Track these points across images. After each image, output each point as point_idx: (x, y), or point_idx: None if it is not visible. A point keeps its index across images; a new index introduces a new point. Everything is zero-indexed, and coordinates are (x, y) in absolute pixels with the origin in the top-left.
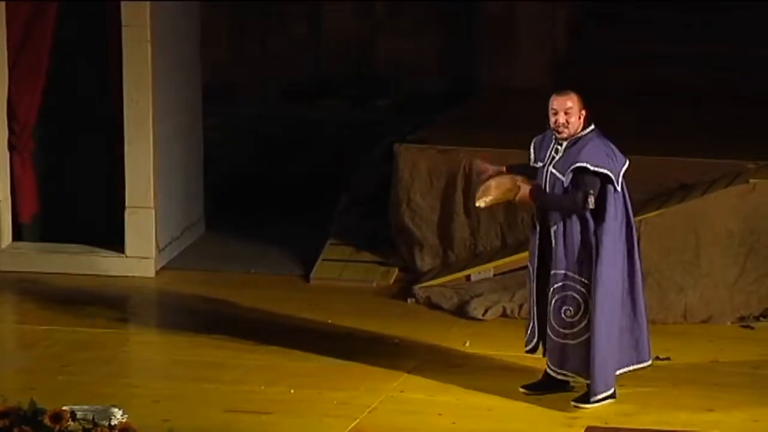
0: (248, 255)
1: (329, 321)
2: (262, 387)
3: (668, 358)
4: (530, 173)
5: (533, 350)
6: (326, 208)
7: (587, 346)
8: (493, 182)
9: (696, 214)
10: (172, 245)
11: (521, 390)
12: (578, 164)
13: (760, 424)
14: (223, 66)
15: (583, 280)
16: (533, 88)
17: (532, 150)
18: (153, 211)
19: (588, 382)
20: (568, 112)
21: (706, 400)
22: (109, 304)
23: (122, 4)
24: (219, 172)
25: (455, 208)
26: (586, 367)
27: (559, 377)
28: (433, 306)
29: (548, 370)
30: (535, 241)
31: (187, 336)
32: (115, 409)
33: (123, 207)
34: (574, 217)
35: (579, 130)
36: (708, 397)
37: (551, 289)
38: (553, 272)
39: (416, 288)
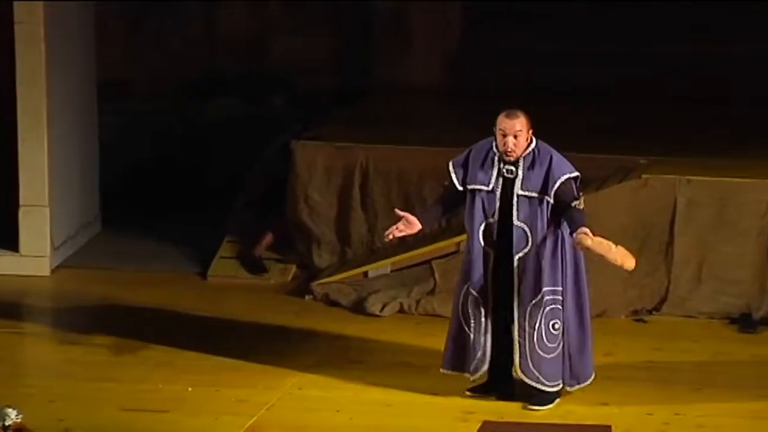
0: (144, 253)
1: (227, 318)
2: (160, 385)
3: None
4: (432, 214)
5: (480, 385)
6: (222, 205)
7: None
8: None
9: (590, 209)
10: (67, 243)
11: (466, 393)
12: (563, 177)
13: (654, 417)
14: (117, 64)
15: (561, 290)
16: (427, 85)
17: (455, 173)
18: (48, 210)
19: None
20: (517, 135)
21: (600, 394)
22: (3, 303)
23: (15, 2)
24: (114, 170)
25: (353, 205)
26: (566, 372)
27: (534, 384)
28: (331, 302)
29: (523, 379)
30: (486, 269)
31: (83, 335)
32: (10, 410)
33: (18, 206)
34: (549, 232)
35: (525, 148)
36: (602, 390)
37: (543, 310)
38: (540, 296)
39: (314, 285)
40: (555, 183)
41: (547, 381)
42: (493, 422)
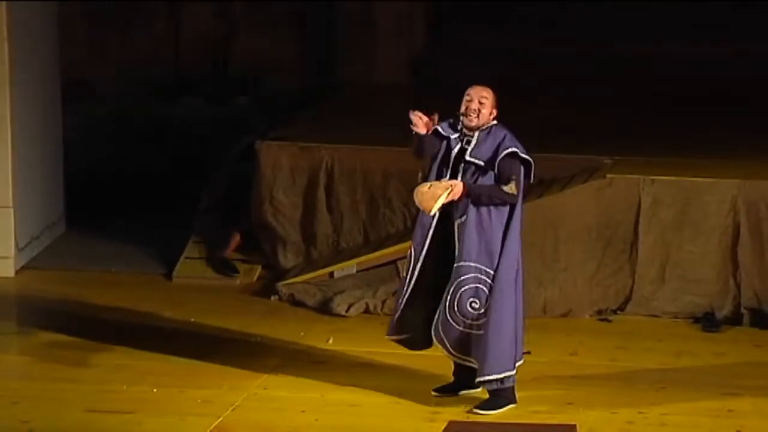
0: (109, 254)
1: (192, 319)
2: (124, 386)
3: (528, 352)
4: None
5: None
6: (187, 206)
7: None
8: (427, 188)
9: (555, 209)
10: (31, 244)
11: (433, 393)
12: (510, 149)
13: (618, 416)
14: (81, 64)
15: (489, 270)
16: (392, 85)
17: (440, 126)
18: (12, 211)
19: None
20: (482, 101)
21: (566, 393)
22: None
23: None
24: (79, 170)
25: (318, 205)
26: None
27: (465, 363)
28: (296, 303)
29: (453, 358)
30: (428, 235)
31: (47, 336)
32: None
33: None
34: (491, 208)
35: (486, 120)
36: (568, 390)
37: (456, 280)
38: (458, 264)
39: (279, 285)
40: (500, 153)
41: (456, 353)
42: (459, 422)
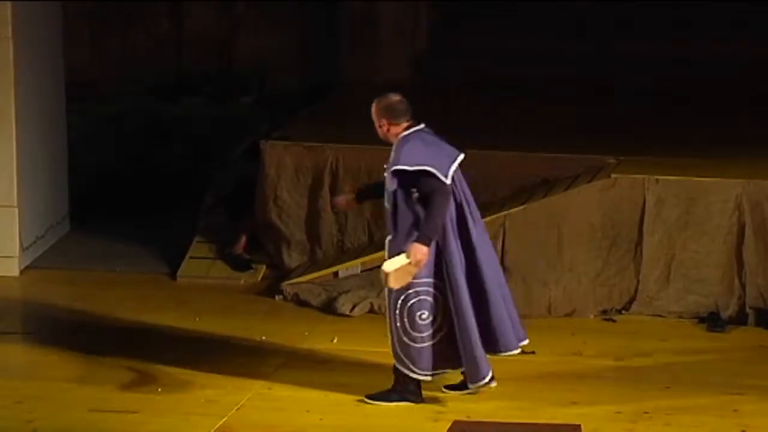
0: (114, 253)
1: (196, 319)
2: (129, 386)
3: (533, 352)
4: (375, 189)
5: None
6: (191, 206)
7: (452, 340)
8: (392, 271)
9: (559, 209)
10: (36, 244)
11: (444, 390)
12: (395, 167)
13: (622, 416)
14: (85, 65)
15: (430, 281)
16: (396, 84)
17: None
18: (16, 210)
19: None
20: (374, 120)
21: (570, 393)
22: None
23: None
24: (83, 170)
25: (322, 205)
26: (457, 358)
27: (401, 368)
28: (301, 303)
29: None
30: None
31: (52, 336)
32: None
33: None
34: (414, 222)
35: (395, 136)
36: (572, 390)
37: (408, 299)
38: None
39: (284, 285)
40: (391, 168)
41: (415, 366)
42: (463, 422)
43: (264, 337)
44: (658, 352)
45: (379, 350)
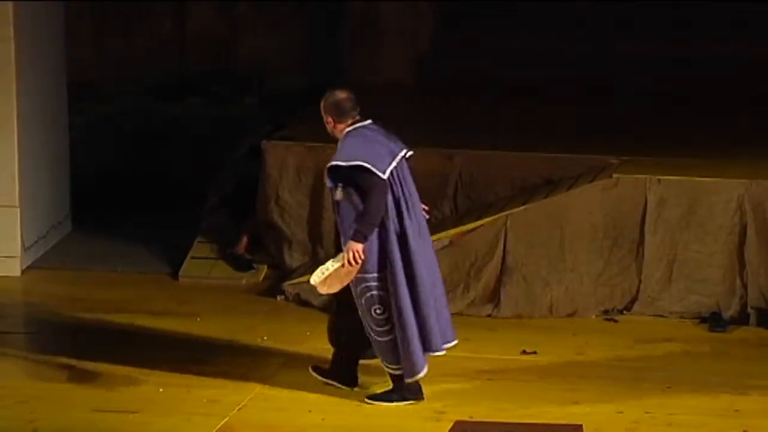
0: (115, 253)
1: (198, 319)
2: (131, 386)
3: (535, 352)
4: None
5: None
6: (193, 206)
7: (393, 338)
8: (318, 282)
9: (561, 208)
10: (38, 244)
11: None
12: (329, 164)
13: (624, 416)
14: (87, 65)
15: (377, 275)
16: (398, 84)
17: None
18: (18, 210)
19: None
20: (322, 116)
21: (572, 393)
22: None
23: None
24: (85, 170)
25: (324, 205)
26: (395, 357)
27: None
28: (302, 303)
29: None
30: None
31: (53, 336)
32: None
33: None
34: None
35: (341, 132)
36: (574, 390)
37: (362, 295)
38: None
39: (285, 285)
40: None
41: (387, 362)
42: (465, 422)
43: (265, 338)
44: (659, 352)
45: None
